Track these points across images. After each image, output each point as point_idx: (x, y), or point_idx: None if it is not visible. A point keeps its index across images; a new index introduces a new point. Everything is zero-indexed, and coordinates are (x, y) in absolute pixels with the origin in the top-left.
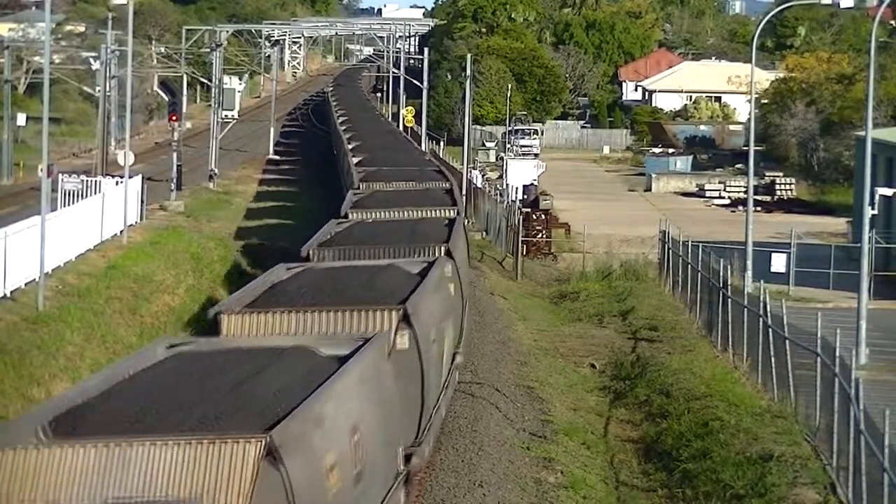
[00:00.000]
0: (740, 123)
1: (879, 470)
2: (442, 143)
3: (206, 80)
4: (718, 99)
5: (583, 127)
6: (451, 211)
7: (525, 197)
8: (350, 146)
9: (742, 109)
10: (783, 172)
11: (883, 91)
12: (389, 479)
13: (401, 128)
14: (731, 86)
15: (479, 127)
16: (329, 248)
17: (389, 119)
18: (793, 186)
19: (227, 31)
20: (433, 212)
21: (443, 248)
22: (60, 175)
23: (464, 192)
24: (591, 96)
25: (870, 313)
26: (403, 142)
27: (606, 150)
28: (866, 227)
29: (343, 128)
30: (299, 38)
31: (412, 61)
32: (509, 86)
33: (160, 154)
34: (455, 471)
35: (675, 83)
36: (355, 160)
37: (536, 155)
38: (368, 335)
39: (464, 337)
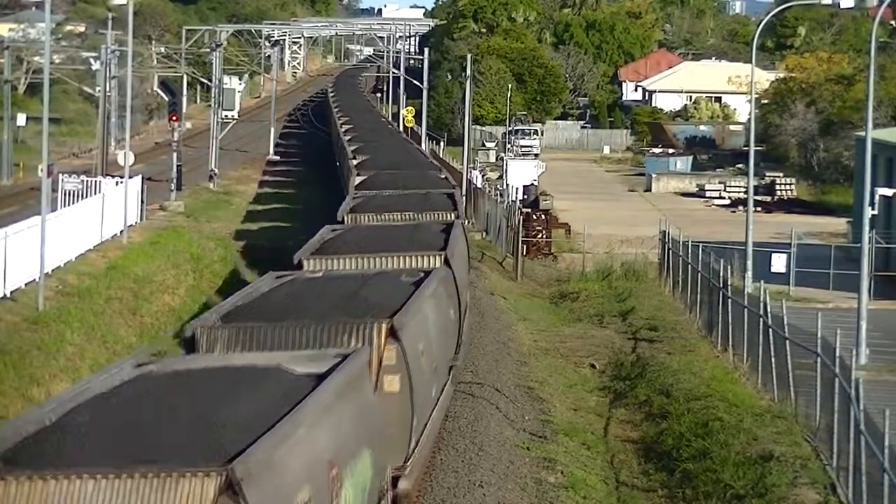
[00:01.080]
0: (740, 124)
1: (879, 470)
2: (442, 144)
3: (206, 81)
4: (718, 99)
5: (583, 127)
6: (435, 258)
7: (525, 197)
8: (355, 162)
9: (742, 110)
10: (783, 173)
11: (883, 91)
12: None
13: (401, 128)
14: (731, 86)
15: (479, 127)
16: (231, 325)
17: (390, 119)
18: (793, 187)
19: (227, 32)
20: (410, 259)
21: (383, 327)
22: (60, 175)
23: (464, 192)
24: (591, 96)
25: (870, 313)
26: (414, 154)
27: (606, 150)
28: (866, 228)
29: (347, 138)
30: (299, 38)
31: (412, 61)
32: (509, 86)
33: (160, 154)
34: (455, 471)
35: (675, 83)
36: (357, 180)
37: (536, 155)
38: None
39: (418, 449)
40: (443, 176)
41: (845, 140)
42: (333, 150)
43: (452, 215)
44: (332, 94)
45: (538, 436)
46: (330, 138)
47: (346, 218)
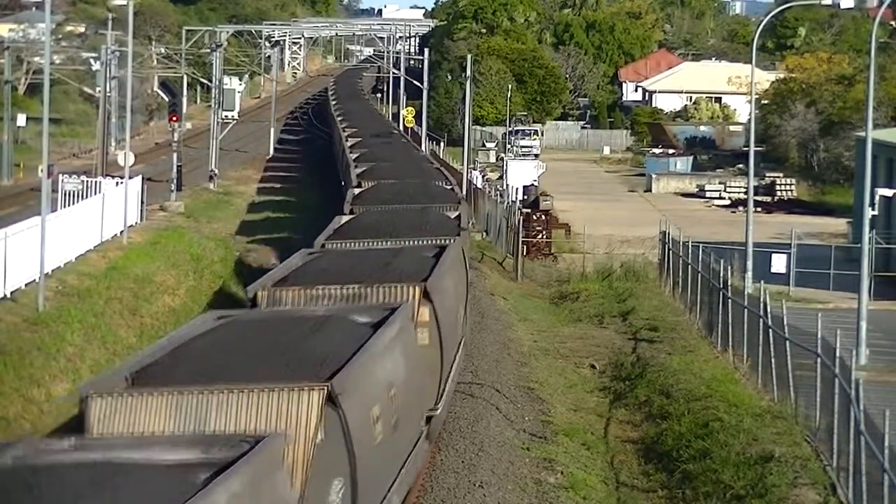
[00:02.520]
0: (740, 124)
1: (879, 471)
2: (442, 144)
3: (206, 81)
4: (718, 100)
5: (583, 127)
6: (306, 398)
7: (525, 197)
8: (354, 192)
9: (742, 110)
10: (783, 173)
11: (883, 92)
12: None
13: (401, 128)
14: (731, 86)
15: (479, 127)
16: None
17: (391, 120)
18: (793, 187)
19: (228, 32)
20: (276, 398)
21: None
22: (61, 175)
23: (464, 192)
24: (592, 97)
25: (870, 314)
26: (426, 180)
27: (606, 150)
28: (866, 228)
29: (354, 156)
30: (299, 38)
31: (412, 62)
32: (509, 86)
33: (160, 155)
34: (455, 472)
35: (675, 84)
36: (343, 219)
37: (537, 156)
38: None
39: None
40: (454, 214)
41: (845, 140)
42: (333, 151)
43: (412, 291)
44: (332, 97)
45: (538, 436)
46: (330, 139)
47: (259, 296)
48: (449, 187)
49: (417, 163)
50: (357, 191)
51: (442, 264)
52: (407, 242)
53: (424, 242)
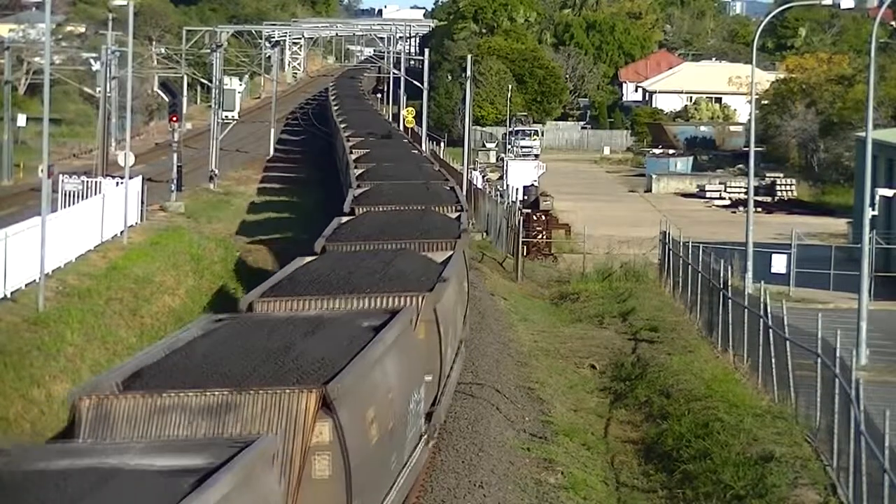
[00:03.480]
0: (740, 124)
1: (880, 471)
2: (442, 144)
3: (206, 81)
4: (719, 100)
5: (583, 128)
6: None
7: (525, 198)
8: (340, 222)
9: (742, 110)
10: (783, 173)
11: (883, 92)
12: None
13: (401, 128)
14: (731, 87)
15: (479, 128)
16: None
17: (390, 120)
18: (793, 187)
19: (228, 32)
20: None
21: None
22: (61, 176)
23: (464, 192)
24: (592, 97)
25: (870, 314)
26: (429, 192)
27: (607, 150)
28: (866, 228)
29: (357, 172)
30: (300, 38)
31: (412, 62)
32: (510, 87)
33: (160, 155)
34: (455, 472)
35: (675, 84)
36: (305, 259)
37: (537, 156)
38: None
39: None
40: (442, 256)
41: (845, 141)
42: (335, 154)
43: (304, 400)
44: (332, 97)
45: (538, 436)
46: (330, 140)
47: (82, 408)
48: (454, 215)
49: (426, 181)
50: (344, 219)
51: (373, 346)
52: (354, 303)
53: (378, 303)
